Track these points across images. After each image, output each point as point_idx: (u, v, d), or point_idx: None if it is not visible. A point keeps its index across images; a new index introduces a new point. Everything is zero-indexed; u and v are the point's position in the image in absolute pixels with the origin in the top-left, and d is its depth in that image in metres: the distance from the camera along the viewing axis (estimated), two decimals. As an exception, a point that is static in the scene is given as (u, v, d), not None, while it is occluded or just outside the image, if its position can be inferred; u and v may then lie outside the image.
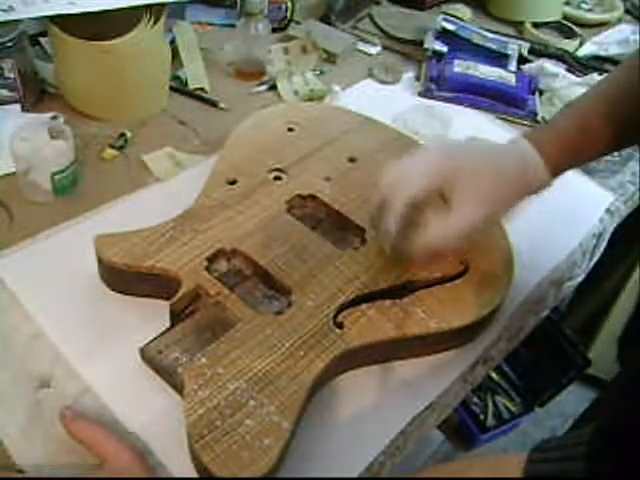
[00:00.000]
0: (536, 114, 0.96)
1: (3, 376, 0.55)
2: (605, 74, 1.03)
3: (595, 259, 0.84)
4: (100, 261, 0.60)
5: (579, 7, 1.28)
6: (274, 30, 1.01)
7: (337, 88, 0.94)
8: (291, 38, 1.01)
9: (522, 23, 1.18)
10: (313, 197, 0.69)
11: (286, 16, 1.06)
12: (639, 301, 0.61)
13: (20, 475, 0.50)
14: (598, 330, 1.45)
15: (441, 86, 0.97)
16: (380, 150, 0.76)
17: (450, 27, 1.05)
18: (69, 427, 0.50)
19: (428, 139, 0.85)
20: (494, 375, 1.41)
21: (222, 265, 0.61)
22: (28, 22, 0.82)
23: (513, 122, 0.95)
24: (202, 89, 0.91)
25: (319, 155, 0.74)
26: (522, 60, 1.06)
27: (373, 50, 1.07)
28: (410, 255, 0.59)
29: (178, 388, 0.53)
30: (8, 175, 0.73)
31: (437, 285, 0.61)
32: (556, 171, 0.60)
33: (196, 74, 0.91)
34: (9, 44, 0.78)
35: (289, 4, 1.05)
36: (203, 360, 0.52)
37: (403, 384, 0.59)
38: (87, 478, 0.50)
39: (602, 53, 1.14)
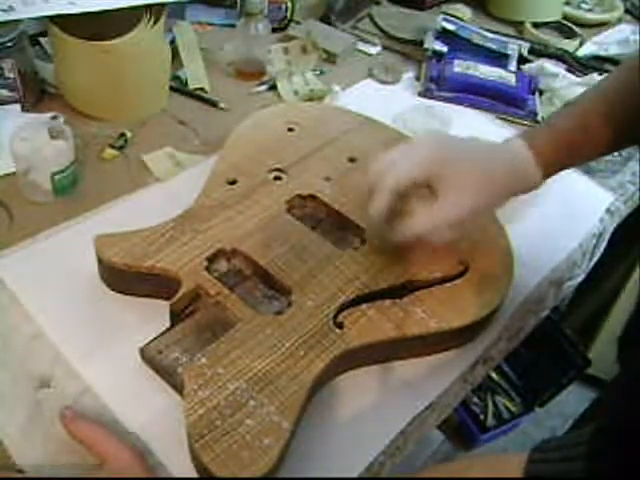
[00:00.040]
0: (536, 114, 0.96)
1: (3, 376, 0.55)
2: (605, 74, 1.03)
3: (595, 259, 0.84)
4: (100, 261, 0.60)
5: (579, 7, 1.28)
6: (274, 30, 1.01)
7: (337, 88, 0.94)
8: (291, 38, 1.01)
9: (522, 23, 1.18)
10: (313, 197, 0.69)
11: (286, 16, 1.06)
12: (639, 301, 0.61)
13: (20, 475, 0.50)
14: (598, 330, 1.45)
15: (441, 86, 0.97)
16: (380, 150, 0.75)
17: (450, 27, 1.05)
18: (69, 427, 0.50)
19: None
20: (494, 375, 1.41)
21: (222, 265, 0.61)
22: (28, 22, 0.82)
23: (513, 122, 0.95)
24: (202, 89, 0.91)
25: (319, 155, 0.74)
26: (522, 60, 1.06)
27: (373, 50, 1.07)
28: (393, 242, 0.60)
29: (178, 388, 0.53)
30: (8, 175, 0.73)
31: (437, 285, 0.61)
32: (549, 171, 0.60)
33: (196, 74, 0.91)
34: (9, 44, 0.78)
35: (289, 4, 1.05)
36: (203, 360, 0.52)
37: (403, 384, 0.59)
38: (87, 478, 0.50)
39: (602, 53, 1.14)
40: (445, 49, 1.03)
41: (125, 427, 0.52)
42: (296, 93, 0.93)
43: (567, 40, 1.16)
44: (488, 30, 1.10)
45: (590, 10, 1.28)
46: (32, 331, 0.58)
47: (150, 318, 0.58)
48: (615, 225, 0.85)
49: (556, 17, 1.21)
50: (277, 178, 0.70)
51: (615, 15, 1.26)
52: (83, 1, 0.75)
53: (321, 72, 0.99)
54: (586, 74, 1.04)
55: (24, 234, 0.67)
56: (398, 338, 0.57)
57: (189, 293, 0.57)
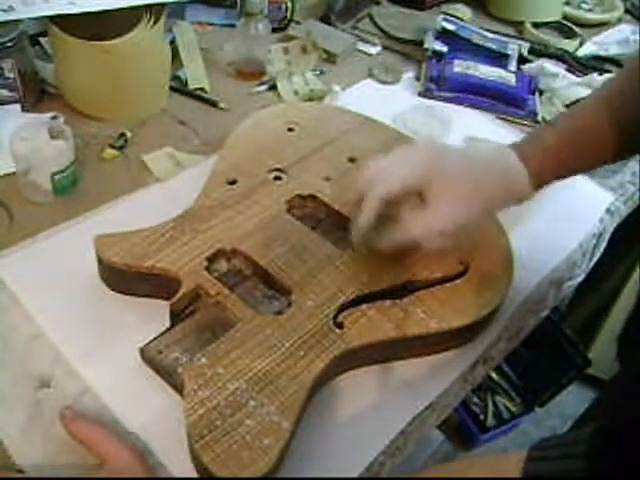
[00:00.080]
0: (536, 114, 0.96)
1: (3, 376, 0.55)
2: (605, 74, 1.03)
3: (595, 259, 0.84)
4: (100, 261, 0.60)
5: (579, 7, 1.28)
6: (274, 30, 1.01)
7: (337, 88, 0.94)
8: (291, 38, 1.01)
9: (522, 23, 1.18)
10: (313, 197, 0.69)
11: (286, 16, 1.06)
12: (639, 300, 0.61)
13: (20, 475, 0.50)
14: (598, 330, 1.45)
15: (441, 86, 0.97)
16: (380, 150, 0.75)
17: (450, 27, 1.05)
18: (69, 427, 0.50)
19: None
20: (494, 375, 1.41)
21: (222, 265, 0.61)
22: (28, 22, 0.82)
23: (513, 122, 0.95)
24: (202, 89, 0.91)
25: (319, 155, 0.74)
26: (522, 60, 1.06)
27: (373, 50, 1.07)
28: (378, 249, 0.59)
29: (178, 388, 0.53)
30: (8, 175, 0.73)
31: (437, 285, 0.61)
32: (540, 183, 0.60)
33: (196, 74, 0.91)
34: (9, 44, 0.78)
35: (289, 4, 1.05)
36: (203, 360, 0.52)
37: (403, 384, 0.59)
38: (87, 478, 0.50)
39: (602, 53, 1.14)
40: (445, 49, 1.03)
41: (125, 427, 0.52)
42: (296, 93, 0.93)
43: (567, 40, 1.16)
44: (488, 30, 1.10)
45: (590, 10, 1.28)
46: (32, 331, 0.58)
47: (150, 318, 0.58)
48: (615, 225, 0.85)
49: (556, 17, 1.21)
50: (277, 178, 0.70)
51: (615, 15, 1.26)
52: (83, 1, 0.75)
53: (321, 72, 0.99)
54: (586, 74, 1.04)
55: (24, 234, 0.67)
56: (398, 338, 0.57)
57: (189, 293, 0.57)
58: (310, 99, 0.92)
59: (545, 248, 0.75)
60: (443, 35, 1.05)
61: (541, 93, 1.01)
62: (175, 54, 0.89)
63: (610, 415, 0.39)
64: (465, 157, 0.60)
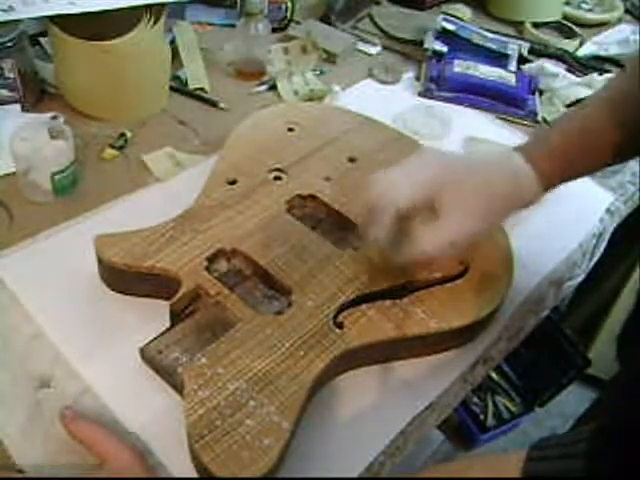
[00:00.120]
0: (536, 114, 0.96)
1: (3, 376, 0.55)
2: (605, 74, 1.03)
3: (595, 259, 0.84)
4: (100, 261, 0.60)
5: (579, 7, 1.27)
6: (274, 30, 1.01)
7: (337, 88, 0.94)
8: (291, 38, 1.01)
9: (522, 23, 1.18)
10: (313, 197, 0.69)
11: (286, 16, 1.06)
12: (638, 300, 0.61)
13: (20, 475, 0.50)
14: (598, 330, 1.45)
15: (441, 86, 0.97)
16: (380, 150, 0.76)
17: (450, 27, 1.05)
18: (69, 427, 0.50)
19: (428, 139, 0.85)
20: (494, 375, 1.41)
21: (222, 265, 0.61)
22: (28, 22, 0.82)
23: (513, 122, 0.95)
24: (202, 89, 0.91)
25: (319, 155, 0.74)
26: (522, 60, 1.06)
27: (373, 50, 1.07)
28: (396, 264, 0.59)
29: (178, 388, 0.53)
30: (8, 175, 0.73)
31: (437, 285, 0.61)
32: (549, 186, 0.59)
33: (196, 74, 0.91)
34: (9, 44, 0.78)
35: (289, 4, 1.05)
36: (203, 360, 0.52)
37: (403, 384, 0.59)
38: (87, 478, 0.50)
39: (602, 53, 1.14)
40: (445, 49, 1.03)
41: (125, 427, 0.52)
42: (296, 93, 0.93)
43: (567, 40, 1.16)
44: (488, 30, 1.10)
45: (590, 10, 1.28)
46: (32, 331, 0.58)
47: (150, 318, 0.58)
48: (615, 225, 0.85)
49: (556, 17, 1.21)
50: (277, 178, 0.70)
51: (615, 15, 1.26)
52: (83, 1, 0.75)
53: (321, 72, 0.99)
54: (586, 74, 1.04)
55: (24, 234, 0.67)
56: (398, 338, 0.57)
57: (189, 293, 0.57)
58: (310, 99, 0.92)
59: (545, 248, 0.75)
60: (443, 35, 1.05)
61: (541, 93, 1.01)
62: (175, 54, 0.89)
63: (610, 415, 0.39)
64: (473, 165, 0.59)
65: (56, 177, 0.69)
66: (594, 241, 0.81)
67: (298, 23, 1.08)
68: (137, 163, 0.77)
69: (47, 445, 0.51)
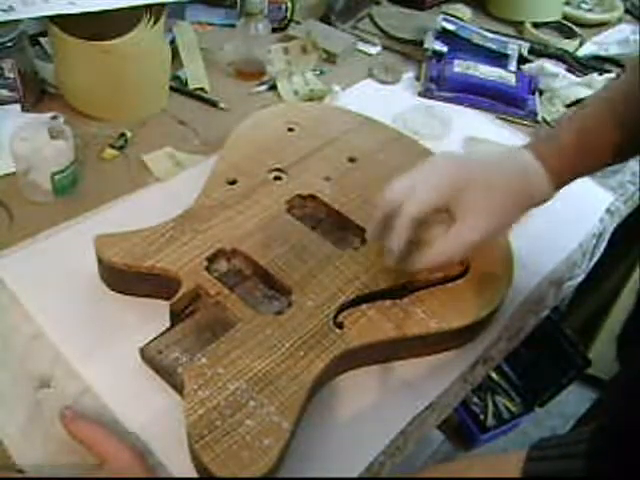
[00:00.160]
0: (536, 114, 0.96)
1: (3, 376, 0.55)
2: (605, 74, 1.03)
3: (595, 259, 0.84)
4: (100, 261, 0.60)
5: (579, 7, 1.28)
6: (274, 30, 1.01)
7: (337, 88, 0.94)
8: (291, 38, 1.01)
9: (522, 23, 1.18)
10: (313, 197, 0.69)
11: (286, 16, 1.06)
12: (638, 300, 0.61)
13: (20, 475, 0.50)
14: (598, 330, 1.45)
15: (441, 86, 0.97)
16: (380, 150, 0.76)
17: (450, 27, 1.05)
18: (69, 427, 0.50)
19: (428, 139, 0.85)
20: (494, 375, 1.41)
21: (222, 265, 0.61)
22: (28, 22, 0.82)
23: (513, 122, 0.95)
24: (202, 89, 0.91)
25: (319, 155, 0.74)
26: (522, 60, 1.06)
27: (373, 50, 1.07)
28: (414, 270, 0.59)
29: (178, 388, 0.53)
30: (8, 175, 0.73)
31: (437, 285, 0.61)
32: (559, 183, 0.59)
33: (196, 74, 0.91)
34: (9, 44, 0.78)
35: (289, 4, 1.05)
36: (203, 360, 0.52)
37: (403, 384, 0.59)
38: (87, 478, 0.50)
39: (602, 53, 1.14)
40: (445, 49, 1.03)
41: (125, 427, 0.52)
42: (296, 93, 0.93)
43: (567, 40, 1.16)
44: (488, 30, 1.10)
45: (590, 10, 1.28)
46: (32, 331, 0.58)
47: (150, 318, 0.58)
48: (615, 225, 0.85)
49: (556, 17, 1.21)
50: (277, 178, 0.70)
51: (615, 15, 1.26)
52: (83, 1, 0.75)
53: (321, 72, 0.99)
54: (586, 74, 1.04)
55: (24, 234, 0.67)
56: (398, 338, 0.57)
57: (189, 293, 0.57)
58: (310, 99, 0.92)
59: (545, 248, 0.75)
60: (443, 35, 1.05)
61: (541, 93, 1.01)
62: (175, 54, 0.89)
63: (610, 415, 0.39)
64: (486, 165, 0.59)
65: (56, 177, 0.69)
66: (594, 241, 0.81)
67: (298, 23, 1.07)
68: (137, 163, 0.77)
69: (47, 445, 0.51)
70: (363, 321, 0.57)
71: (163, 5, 0.81)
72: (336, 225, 0.67)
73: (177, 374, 0.53)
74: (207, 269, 0.59)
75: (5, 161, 0.72)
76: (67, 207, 0.71)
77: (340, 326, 0.56)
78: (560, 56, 1.09)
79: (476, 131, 0.91)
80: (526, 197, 0.58)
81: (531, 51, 1.09)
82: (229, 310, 0.56)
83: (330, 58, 1.01)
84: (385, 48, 1.08)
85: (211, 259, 0.60)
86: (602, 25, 1.24)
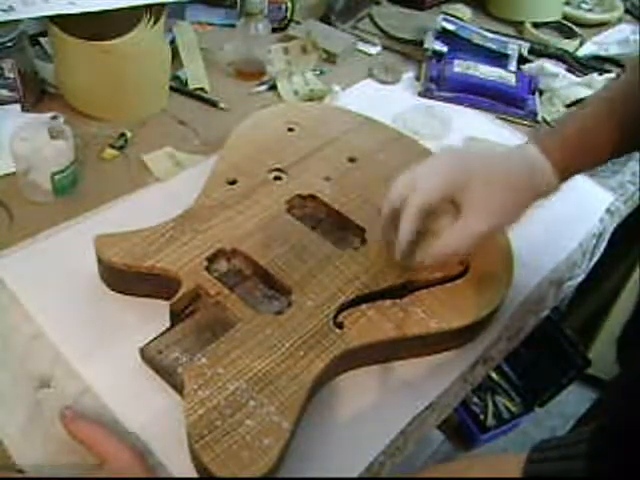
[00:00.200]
0: (536, 114, 0.96)
1: (3, 376, 0.55)
2: (605, 74, 1.03)
3: (595, 259, 0.84)
4: (100, 261, 0.60)
5: (579, 7, 1.28)
6: (274, 30, 1.01)
7: (337, 88, 0.94)
8: (291, 38, 1.01)
9: (522, 23, 1.18)
10: (313, 197, 0.69)
11: (286, 16, 1.06)
12: (638, 301, 0.61)
13: (20, 475, 0.50)
14: (598, 330, 1.45)
15: (441, 86, 0.97)
16: (380, 150, 0.76)
17: (450, 27, 1.05)
18: (69, 427, 0.50)
19: (428, 139, 0.85)
20: (494, 375, 1.41)
21: (222, 265, 0.61)
22: (28, 22, 0.82)
23: (513, 122, 0.95)
24: (202, 89, 0.91)
25: (319, 155, 0.74)
26: (522, 60, 1.06)
27: (373, 50, 1.07)
28: (422, 263, 0.59)
29: (178, 388, 0.53)
30: (8, 175, 0.73)
31: (437, 285, 0.61)
32: (564, 176, 0.60)
33: (196, 74, 0.91)
34: (9, 44, 0.78)
35: (289, 4, 1.05)
36: (203, 360, 0.52)
37: (403, 384, 0.59)
38: (87, 478, 0.50)
39: (602, 53, 1.14)
40: (445, 49, 1.03)
41: (125, 427, 0.52)
42: (296, 93, 0.93)
43: (567, 40, 1.16)
44: (488, 30, 1.10)
45: (590, 10, 1.28)
46: (32, 331, 0.58)
47: (150, 318, 0.58)
48: (615, 225, 0.85)
49: (556, 17, 1.21)
50: (277, 178, 0.70)
51: (615, 15, 1.26)
52: (83, 1, 0.75)
53: (321, 72, 0.99)
54: (586, 74, 1.04)
55: (24, 234, 0.67)
56: (398, 338, 0.57)
57: (189, 293, 0.57)
58: (310, 99, 0.92)
59: (545, 248, 0.75)
60: (443, 35, 1.05)
61: (541, 93, 1.01)
62: (175, 54, 0.89)
63: (610, 415, 0.39)
64: (492, 159, 0.59)
65: (56, 177, 0.69)
66: (594, 241, 0.80)
67: (298, 23, 1.07)
68: (137, 163, 0.77)
69: (47, 445, 0.51)
70: (363, 321, 0.57)
71: (163, 5, 0.81)
72: (336, 225, 0.67)
73: (177, 374, 0.53)
74: (207, 269, 0.59)
75: (5, 161, 0.72)
76: (67, 207, 0.71)
77: (340, 326, 0.56)
78: (560, 56, 1.09)
79: (476, 131, 0.91)
80: (531, 189, 0.59)
81: (531, 51, 1.09)
82: (229, 310, 0.56)
83: (330, 58, 1.01)
84: (385, 48, 1.08)
85: (211, 259, 0.60)
86: (602, 25, 1.24)
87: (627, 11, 1.30)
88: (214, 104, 0.89)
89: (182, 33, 0.91)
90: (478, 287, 0.62)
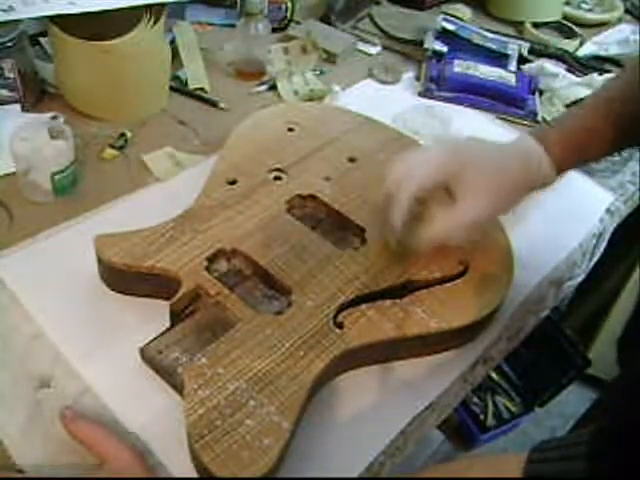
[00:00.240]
0: (536, 114, 0.96)
1: (3, 376, 0.55)
2: (605, 74, 1.03)
3: (595, 259, 0.84)
4: (100, 261, 0.60)
5: (579, 7, 1.28)
6: (274, 30, 1.01)
7: (337, 88, 0.94)
8: (291, 38, 1.01)
9: (522, 23, 1.18)
10: (313, 197, 0.69)
11: (286, 16, 1.06)
12: (638, 301, 0.61)
13: (20, 475, 0.50)
14: (598, 330, 1.45)
15: (441, 86, 0.97)
16: (380, 150, 0.76)
17: (450, 27, 1.05)
18: (69, 427, 0.50)
19: (428, 139, 0.85)
20: (494, 375, 1.41)
21: (222, 265, 0.61)
22: (28, 22, 0.82)
23: (513, 122, 0.95)
24: (202, 89, 0.91)
25: (319, 155, 0.74)
26: (522, 60, 1.06)
27: (373, 50, 1.07)
28: (416, 249, 0.60)
29: (178, 388, 0.53)
30: (8, 175, 0.73)
31: (437, 285, 0.61)
32: (561, 169, 0.60)
33: (196, 74, 0.91)
34: (9, 44, 0.78)
35: (289, 4, 1.05)
36: (203, 360, 0.52)
37: (403, 384, 0.59)
38: (87, 478, 0.50)
39: (602, 53, 1.14)
40: (445, 49, 1.03)
41: (125, 427, 0.52)
42: (296, 93, 0.93)
43: (567, 40, 1.16)
44: (488, 30, 1.10)
45: (590, 10, 1.28)
46: (32, 331, 0.58)
47: (150, 318, 0.58)
48: (615, 225, 0.85)
49: (556, 17, 1.21)
50: (277, 178, 0.70)
51: (615, 15, 1.26)
52: (83, 1, 0.75)
53: (321, 72, 0.99)
54: (586, 74, 1.04)
55: (24, 234, 0.67)
56: (398, 338, 0.57)
57: (189, 293, 0.57)
58: (310, 99, 0.92)
59: (545, 248, 0.75)
60: (443, 35, 1.05)
61: (541, 93, 1.01)
62: (175, 54, 0.89)
63: (610, 415, 0.39)
64: (488, 148, 0.60)
65: (56, 177, 0.69)
66: (594, 241, 0.80)
67: (298, 23, 1.07)
68: (137, 163, 0.77)
69: (47, 445, 0.51)
70: (363, 321, 0.57)
71: (163, 5, 0.81)
72: (336, 225, 0.67)
73: (177, 374, 0.53)
74: (207, 269, 0.59)
75: (5, 161, 0.72)
76: (67, 207, 0.71)
77: (340, 326, 0.56)
78: (560, 56, 1.09)
79: (476, 131, 0.89)
80: (527, 180, 0.59)
81: (531, 51, 1.09)
82: (229, 310, 0.56)
83: (330, 58, 1.01)
84: (385, 48, 1.08)
85: (211, 259, 0.60)
86: (602, 25, 1.24)
87: (627, 11, 1.30)
88: (214, 104, 0.89)
89: (182, 33, 0.91)
90: (478, 287, 0.62)
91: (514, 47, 1.06)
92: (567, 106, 0.97)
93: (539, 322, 0.72)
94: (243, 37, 0.93)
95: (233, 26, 0.99)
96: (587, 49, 1.15)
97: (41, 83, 0.86)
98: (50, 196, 0.71)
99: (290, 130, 0.77)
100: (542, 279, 0.72)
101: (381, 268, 0.61)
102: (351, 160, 0.74)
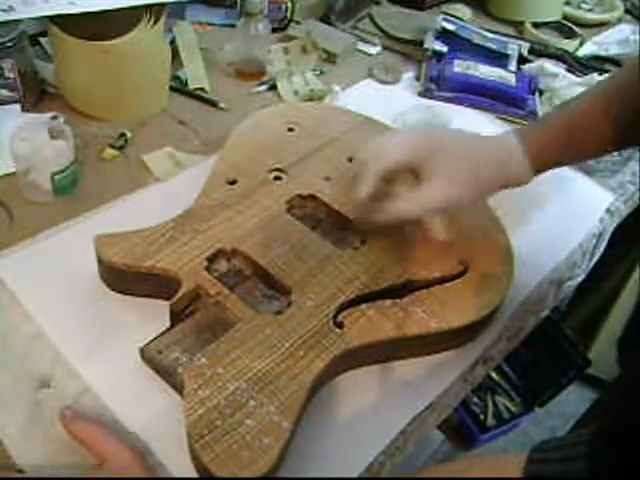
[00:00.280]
0: (536, 114, 0.96)
1: (3, 376, 0.55)
2: (605, 74, 1.03)
3: (595, 259, 0.84)
4: (100, 261, 0.60)
5: (579, 7, 1.28)
6: (274, 30, 1.01)
7: (337, 88, 0.94)
8: (291, 38, 1.01)
9: (522, 23, 1.18)
10: (313, 197, 0.69)
11: (286, 16, 1.06)
12: (638, 301, 0.61)
13: (20, 475, 0.50)
14: (598, 330, 1.45)
15: (441, 86, 0.97)
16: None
17: (450, 27, 1.05)
18: (69, 427, 0.50)
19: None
20: (494, 375, 1.41)
21: (222, 265, 0.61)
22: (28, 22, 0.82)
23: (513, 122, 0.95)
24: (202, 89, 0.91)
25: (319, 155, 0.74)
26: (522, 60, 1.06)
27: (373, 50, 1.07)
28: (375, 223, 0.61)
29: (178, 388, 0.53)
30: (8, 175, 0.73)
31: (437, 285, 0.61)
32: (539, 168, 0.61)
33: (196, 74, 0.91)
34: (9, 44, 0.78)
35: (289, 4, 1.05)
36: (203, 360, 0.52)
37: (403, 384, 0.59)
38: (87, 478, 0.50)
39: (602, 53, 1.14)
40: (445, 49, 1.03)
41: (125, 427, 0.52)
42: (296, 93, 0.93)
43: (567, 40, 1.16)
44: (488, 30, 1.10)
45: (590, 10, 1.28)
46: (32, 331, 0.58)
47: (150, 318, 0.58)
48: (615, 225, 0.85)
49: (556, 17, 1.21)
50: (277, 178, 0.70)
51: (615, 15, 1.26)
52: (83, 1, 0.75)
53: (321, 72, 0.99)
54: (586, 74, 1.04)
55: (24, 234, 0.67)
56: (398, 338, 0.57)
57: (189, 293, 0.57)
58: (310, 99, 0.92)
59: (545, 248, 0.75)
60: (443, 35, 1.05)
61: (541, 93, 1.01)
62: (175, 54, 0.89)
63: (610, 415, 0.39)
64: (461, 137, 0.61)
65: (56, 177, 0.69)
66: (594, 241, 0.80)
67: (298, 23, 1.08)
68: (137, 163, 0.77)
69: (47, 445, 0.51)
70: (363, 321, 0.57)
71: (163, 5, 0.81)
72: (336, 225, 0.67)
73: (177, 374, 0.53)
74: (207, 269, 0.59)
75: (5, 161, 0.72)
76: (67, 207, 0.71)
77: (340, 326, 0.56)
78: (560, 56, 1.09)
79: (476, 131, 0.90)
80: (499, 174, 0.60)
81: (531, 51, 1.09)
82: (229, 310, 0.56)
83: (330, 58, 1.02)
84: (385, 48, 1.08)
85: (211, 259, 0.60)
86: (602, 25, 1.25)
87: (627, 11, 1.30)
88: (214, 104, 0.89)
89: (182, 33, 0.91)
90: (478, 287, 0.62)
91: (514, 47, 1.06)
92: (567, 106, 0.97)
93: (539, 322, 0.72)
94: (243, 37, 0.93)
95: (233, 26, 0.99)
96: (587, 49, 1.15)
97: (41, 83, 0.86)
98: (50, 196, 0.71)
99: (290, 130, 0.77)
100: (542, 279, 0.72)
101: (381, 268, 0.61)
102: (351, 160, 0.74)
